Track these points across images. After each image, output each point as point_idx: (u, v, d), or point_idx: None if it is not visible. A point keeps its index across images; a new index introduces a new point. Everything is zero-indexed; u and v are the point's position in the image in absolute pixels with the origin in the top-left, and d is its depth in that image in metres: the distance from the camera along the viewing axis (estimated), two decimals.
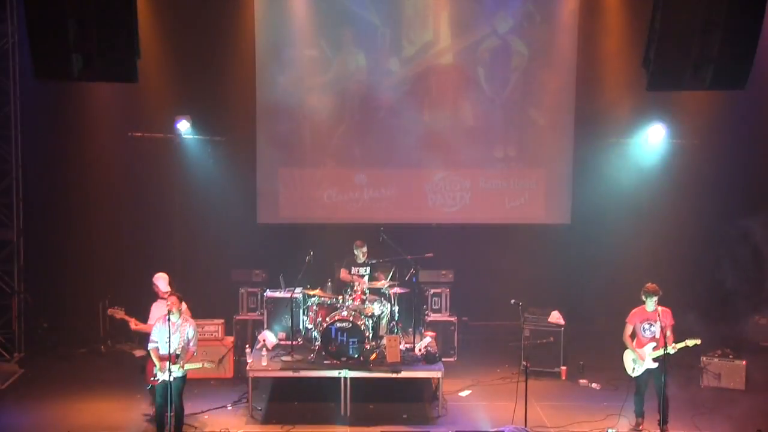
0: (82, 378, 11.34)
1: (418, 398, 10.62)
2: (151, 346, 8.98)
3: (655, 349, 9.22)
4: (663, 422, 9.20)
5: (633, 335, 9.48)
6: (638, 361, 9.37)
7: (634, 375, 9.48)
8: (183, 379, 8.97)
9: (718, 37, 7.47)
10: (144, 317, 9.64)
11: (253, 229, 13.42)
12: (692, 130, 12.94)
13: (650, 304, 9.31)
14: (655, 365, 9.26)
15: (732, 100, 12.23)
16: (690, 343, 9.30)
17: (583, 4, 13.16)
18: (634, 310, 9.51)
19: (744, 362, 11.05)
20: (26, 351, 12.26)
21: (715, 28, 7.46)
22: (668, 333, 9.26)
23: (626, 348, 9.52)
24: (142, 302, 11.33)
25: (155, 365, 8.88)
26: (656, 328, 9.24)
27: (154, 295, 9.81)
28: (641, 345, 9.36)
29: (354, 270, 11.34)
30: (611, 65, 13.11)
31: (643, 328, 9.37)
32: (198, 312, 10.05)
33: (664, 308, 9.36)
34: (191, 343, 9.05)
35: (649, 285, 9.38)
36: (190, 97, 12.78)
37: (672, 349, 9.17)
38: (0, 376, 11.25)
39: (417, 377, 10.51)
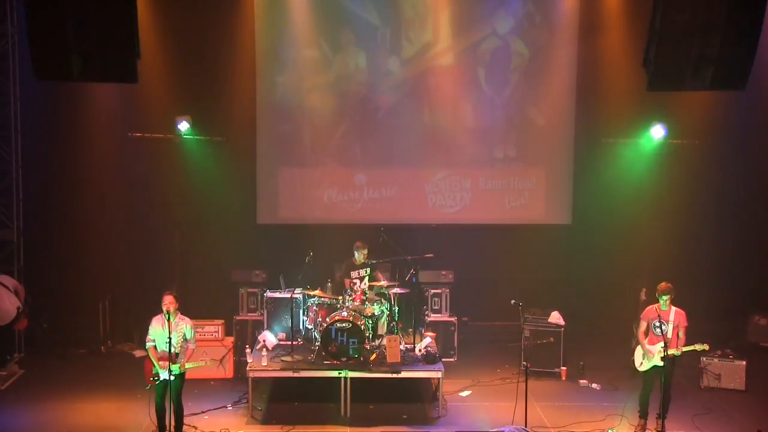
0: (82, 378, 11.32)
1: (418, 399, 10.61)
2: (148, 345, 9.01)
3: (663, 348, 9.23)
4: (662, 416, 9.26)
5: (647, 332, 9.51)
6: (647, 356, 9.44)
7: (641, 369, 9.57)
8: (182, 378, 8.98)
9: (718, 37, 7.48)
10: (145, 317, 9.60)
11: (253, 229, 13.42)
12: (692, 130, 12.92)
13: (663, 302, 9.35)
14: (662, 364, 9.28)
15: (732, 100, 12.22)
16: (698, 347, 9.38)
17: (583, 4, 13.16)
18: (648, 307, 9.57)
19: (744, 363, 11.04)
20: (26, 351, 12.26)
21: (715, 28, 7.47)
22: (681, 334, 9.34)
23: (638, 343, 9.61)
24: (142, 302, 11.36)
25: (153, 365, 8.89)
26: (667, 328, 9.27)
27: (156, 294, 9.78)
28: (652, 342, 9.42)
29: (353, 273, 11.27)
30: (611, 65, 13.09)
31: (654, 326, 9.40)
32: (198, 312, 10.04)
33: (678, 309, 9.40)
34: (190, 342, 9.07)
35: (661, 284, 9.42)
36: (190, 97, 12.77)
37: (678, 351, 9.23)
38: (0, 377, 11.25)
39: (417, 377, 10.49)
